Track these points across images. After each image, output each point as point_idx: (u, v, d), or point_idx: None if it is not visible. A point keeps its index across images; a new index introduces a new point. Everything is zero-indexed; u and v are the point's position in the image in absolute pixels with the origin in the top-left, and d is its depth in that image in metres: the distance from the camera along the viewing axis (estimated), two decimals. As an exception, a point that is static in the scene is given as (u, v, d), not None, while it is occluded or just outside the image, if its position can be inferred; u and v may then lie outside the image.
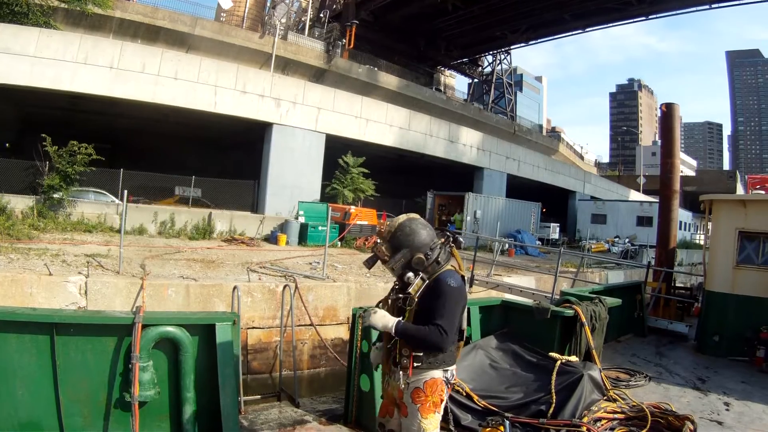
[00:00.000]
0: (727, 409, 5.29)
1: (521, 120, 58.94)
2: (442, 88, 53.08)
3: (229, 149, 26.38)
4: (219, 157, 26.82)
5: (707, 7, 37.21)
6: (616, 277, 18.45)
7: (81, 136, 14.90)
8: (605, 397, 4.84)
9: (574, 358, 5.21)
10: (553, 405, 4.41)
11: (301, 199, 19.14)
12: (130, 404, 3.55)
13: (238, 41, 32.04)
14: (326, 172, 21.27)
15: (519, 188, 32.08)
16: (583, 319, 5.53)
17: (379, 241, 2.87)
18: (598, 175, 51.23)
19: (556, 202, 36.26)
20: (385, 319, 2.70)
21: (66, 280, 8.41)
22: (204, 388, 3.84)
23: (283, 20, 34.79)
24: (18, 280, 8.08)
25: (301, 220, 17.87)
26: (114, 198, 17.16)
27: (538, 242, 27.46)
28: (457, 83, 68.52)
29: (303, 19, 40.61)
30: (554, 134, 72.74)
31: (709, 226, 9.24)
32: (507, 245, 22.16)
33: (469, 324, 2.98)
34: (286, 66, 33.54)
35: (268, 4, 40.92)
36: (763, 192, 8.56)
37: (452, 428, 4.00)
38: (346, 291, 10.87)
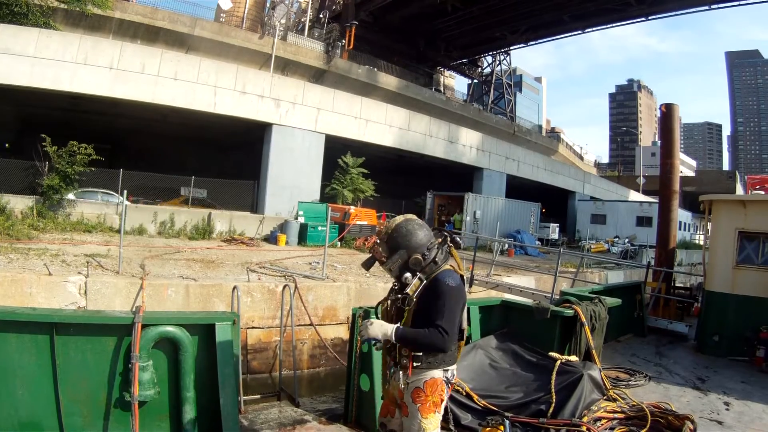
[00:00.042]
0: (727, 409, 5.29)
1: (521, 120, 58.98)
2: (441, 89, 53.11)
3: (228, 149, 26.39)
4: (219, 158, 26.81)
5: (707, 7, 37.26)
6: (616, 277, 18.46)
7: (81, 136, 14.89)
8: (605, 397, 4.84)
9: (574, 358, 5.21)
10: (553, 404, 4.41)
11: (301, 200, 19.14)
12: (130, 404, 3.55)
13: (238, 42, 32.04)
14: (326, 172, 21.27)
15: (518, 188, 32.10)
16: (583, 319, 5.53)
17: (377, 242, 2.87)
18: (597, 176, 51.26)
19: (555, 203, 36.29)
20: (384, 328, 2.69)
21: (66, 280, 8.41)
22: (204, 387, 3.84)
23: (283, 21, 34.76)
24: (18, 280, 8.08)
25: (301, 220, 17.87)
26: (122, 199, 17.20)
27: (537, 242, 27.47)
28: (456, 84, 68.69)
29: (302, 19, 40.62)
30: (554, 135, 72.76)
31: (709, 227, 9.23)
32: (506, 245, 22.16)
33: (468, 324, 2.96)
34: (286, 66, 33.55)
35: (268, 5, 40.90)
36: (762, 192, 8.58)
37: (452, 428, 4.00)
38: (345, 291, 10.87)
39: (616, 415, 4.52)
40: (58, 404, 3.53)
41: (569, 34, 46.50)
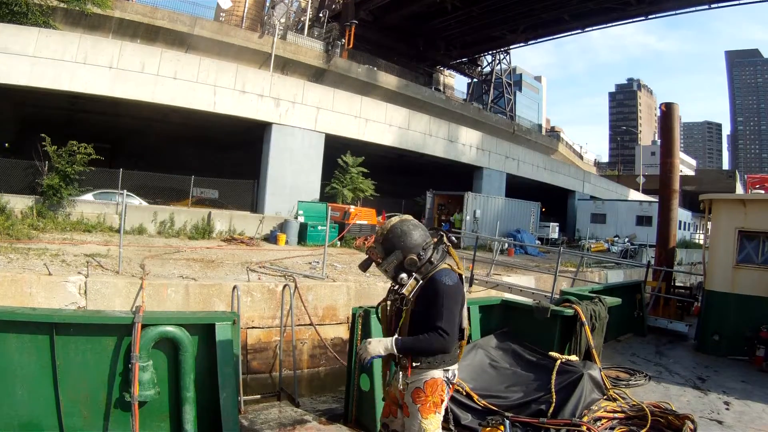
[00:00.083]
0: (727, 409, 5.29)
1: (520, 120, 58.99)
2: (441, 88, 53.10)
3: (228, 149, 26.38)
4: (218, 157, 26.81)
5: (706, 7, 37.25)
6: (616, 276, 18.45)
7: (80, 135, 14.89)
8: (605, 397, 4.84)
9: (574, 358, 5.21)
10: (553, 404, 4.41)
11: (301, 199, 19.13)
12: (130, 404, 3.55)
13: (238, 41, 32.03)
14: (325, 171, 21.26)
15: (518, 188, 32.09)
16: (583, 319, 5.53)
17: (373, 243, 2.88)
18: (597, 175, 51.25)
19: (555, 202, 36.29)
20: (383, 343, 2.69)
21: (65, 280, 8.41)
22: (204, 387, 3.84)
23: (283, 20, 34.73)
24: (17, 280, 8.08)
25: (301, 219, 17.87)
26: (141, 200, 17.62)
27: (537, 242, 27.47)
28: (456, 83, 68.69)
29: (302, 18, 40.60)
30: (553, 134, 72.71)
31: (709, 226, 9.23)
32: (506, 245, 22.16)
33: (469, 323, 2.96)
34: (286, 66, 33.53)
35: (268, 4, 40.88)
36: (762, 191, 8.57)
37: (452, 428, 4.00)
38: (345, 290, 10.86)
39: (616, 415, 4.52)
40: (58, 404, 3.53)
41: (569, 33, 46.55)
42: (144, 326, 3.61)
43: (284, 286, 7.49)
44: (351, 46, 37.40)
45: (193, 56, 20.98)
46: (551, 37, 48.55)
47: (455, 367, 2.82)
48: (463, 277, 2.86)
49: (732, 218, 7.91)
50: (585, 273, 17.26)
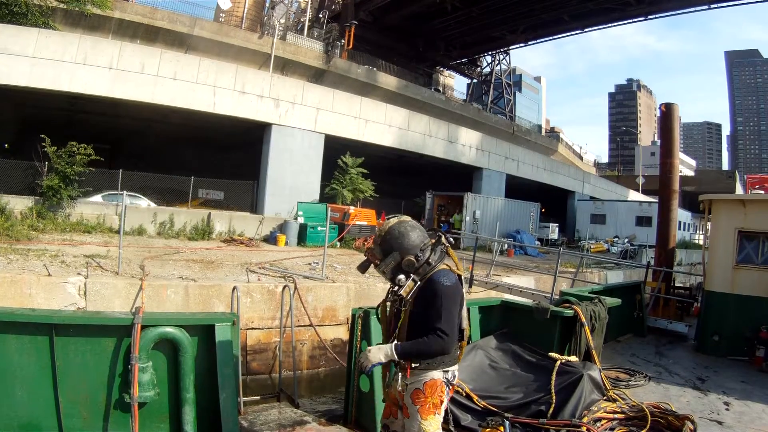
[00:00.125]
0: (727, 409, 5.29)
1: (520, 120, 58.99)
2: (441, 89, 53.14)
3: (228, 150, 26.38)
4: (218, 158, 26.80)
5: (706, 7, 37.27)
6: (616, 277, 18.46)
7: (80, 136, 14.88)
8: (605, 397, 4.83)
9: (573, 358, 5.21)
10: (553, 405, 4.41)
11: (300, 200, 19.14)
12: (130, 405, 3.55)
13: (237, 42, 32.03)
14: (325, 172, 21.26)
15: (518, 188, 32.10)
16: (583, 319, 5.52)
17: (372, 245, 2.88)
18: (597, 175, 51.29)
19: (555, 203, 36.29)
20: (383, 350, 2.69)
21: (65, 281, 8.41)
22: (203, 388, 3.84)
23: (282, 21, 34.74)
24: (17, 281, 8.07)
25: (300, 220, 17.87)
26: (150, 202, 17.75)
27: (537, 242, 27.46)
28: (456, 83, 68.66)
29: (302, 19, 40.62)
30: (553, 134, 72.72)
31: (709, 226, 9.23)
32: (506, 245, 22.15)
33: (468, 324, 2.96)
34: (285, 66, 33.54)
35: (267, 5, 40.90)
36: (762, 192, 8.56)
37: (452, 428, 3.99)
38: (345, 291, 10.86)
39: (616, 416, 4.52)
40: (58, 405, 3.53)
41: (568, 33, 46.57)
42: (143, 327, 3.61)
43: (284, 287, 7.48)
44: (351, 46, 37.40)
45: (192, 57, 20.98)
46: (551, 38, 48.61)
47: (455, 368, 2.82)
48: (463, 277, 2.86)
49: (732, 218, 7.91)
50: (585, 274, 17.25)
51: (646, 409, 4.53)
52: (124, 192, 11.81)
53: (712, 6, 36.86)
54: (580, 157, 68.39)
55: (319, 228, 17.24)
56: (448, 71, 58.18)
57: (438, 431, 2.77)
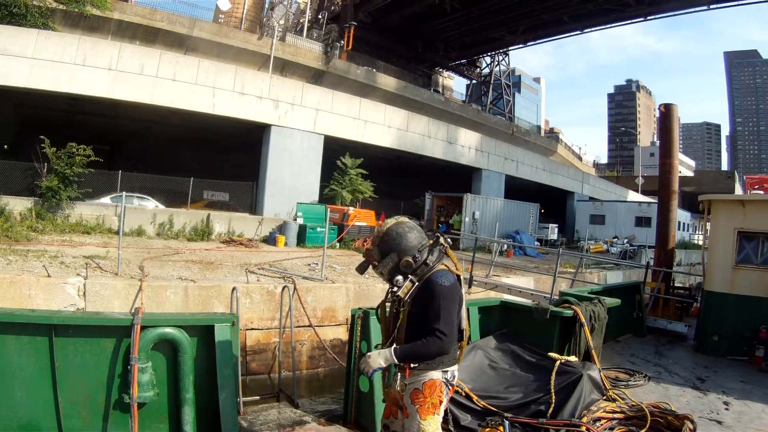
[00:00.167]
0: (727, 409, 5.29)
1: (519, 121, 58.98)
2: (440, 90, 53.11)
3: (228, 151, 26.38)
4: (218, 159, 26.80)
5: (705, 7, 37.26)
6: (615, 277, 18.45)
7: (79, 137, 14.90)
8: (604, 397, 4.84)
9: (573, 358, 5.21)
10: (553, 405, 4.41)
11: (300, 201, 19.14)
12: (129, 405, 3.55)
13: (237, 43, 32.01)
14: (325, 173, 21.27)
15: (517, 189, 32.11)
16: (583, 320, 5.53)
17: (370, 246, 2.89)
18: (596, 176, 51.34)
19: (554, 203, 36.30)
20: (383, 354, 2.70)
21: (64, 282, 8.40)
22: (203, 389, 3.84)
23: (282, 22, 34.72)
24: (16, 282, 8.07)
25: (300, 221, 17.87)
26: (158, 203, 17.87)
27: (536, 243, 27.46)
28: (455, 84, 68.77)
29: (301, 20, 40.59)
30: (552, 135, 72.76)
31: (708, 227, 9.24)
32: (505, 246, 22.16)
33: (468, 324, 2.97)
34: (285, 67, 33.54)
35: (267, 6, 40.84)
36: (761, 192, 8.57)
37: (452, 428, 4.00)
38: (344, 292, 10.86)
39: (615, 416, 4.52)
40: (57, 406, 3.53)
41: (568, 34, 46.51)
42: (143, 328, 3.61)
43: (283, 288, 7.47)
44: (350, 47, 37.39)
45: (192, 58, 21.00)
46: (550, 39, 48.53)
47: (455, 368, 2.82)
48: (462, 277, 2.86)
49: (731, 219, 7.92)
50: (584, 274, 17.26)
51: (646, 409, 4.53)
52: (124, 193, 11.80)
53: (712, 6, 36.87)
54: (580, 158, 68.41)
55: (318, 229, 17.24)
56: (448, 72, 58.15)
57: (437, 431, 2.77)
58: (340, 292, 10.80)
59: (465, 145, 27.75)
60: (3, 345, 3.43)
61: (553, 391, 4.54)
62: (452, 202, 26.66)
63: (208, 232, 16.47)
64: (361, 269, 2.93)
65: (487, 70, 55.88)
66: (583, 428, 4.10)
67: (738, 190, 50.60)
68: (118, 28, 28.19)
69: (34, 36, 15.70)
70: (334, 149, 21.16)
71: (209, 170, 22.33)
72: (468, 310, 3.16)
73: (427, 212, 26.15)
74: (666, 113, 11.64)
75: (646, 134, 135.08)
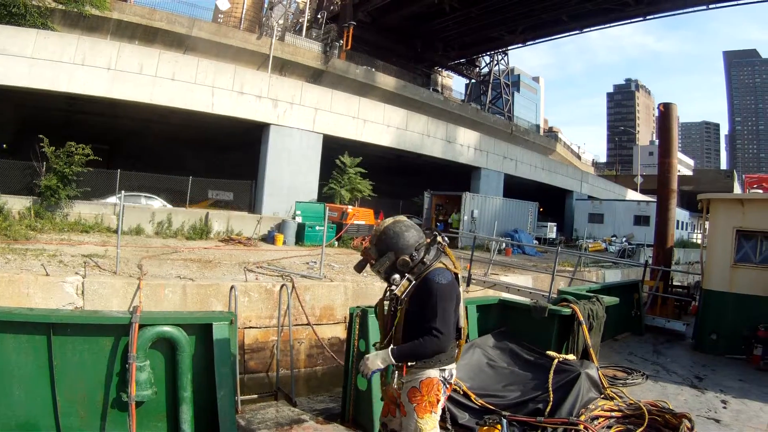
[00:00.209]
0: (725, 407, 5.30)
1: (518, 120, 59.01)
2: (439, 89, 53.14)
3: (227, 150, 26.37)
4: (217, 158, 26.80)
5: (704, 7, 37.30)
6: (614, 276, 18.45)
7: (79, 137, 14.88)
8: (602, 396, 4.85)
9: (571, 357, 5.21)
10: (551, 403, 4.42)
11: (299, 199, 19.14)
12: (127, 404, 3.55)
13: (236, 42, 32.00)
14: (323, 172, 21.28)
15: (516, 188, 32.12)
16: (581, 318, 5.54)
17: (368, 245, 2.90)
18: (595, 175, 51.31)
19: (553, 202, 36.31)
20: (381, 355, 2.72)
21: (63, 281, 8.39)
22: (201, 387, 3.84)
23: (281, 21, 34.72)
24: (15, 281, 8.06)
25: (299, 220, 17.86)
26: (164, 203, 17.90)
27: (535, 241, 27.46)
28: (454, 84, 68.56)
29: (300, 20, 40.59)
30: (551, 134, 72.71)
31: (707, 225, 9.25)
32: (504, 245, 22.15)
33: (466, 322, 2.98)
34: (284, 67, 33.53)
35: (266, 6, 40.80)
36: (760, 191, 8.58)
37: (449, 427, 4.00)
38: (343, 290, 10.86)
39: (613, 414, 4.53)
40: (55, 405, 3.53)
41: (567, 33, 46.57)
42: (141, 326, 3.62)
43: (282, 286, 7.48)
44: (349, 47, 37.40)
45: (191, 57, 20.97)
46: (550, 38, 48.59)
47: (452, 366, 2.82)
48: (460, 276, 2.86)
49: (730, 218, 7.93)
50: (582, 273, 17.24)
51: (644, 408, 4.54)
52: (123, 192, 11.78)
53: (711, 6, 36.91)
54: (579, 157, 68.41)
55: (317, 227, 17.23)
56: (447, 71, 58.20)
57: (435, 429, 2.77)
58: (339, 290, 10.80)
59: (464, 144, 27.75)
60: (1, 344, 3.43)
61: (551, 389, 4.54)
62: (451, 200, 26.66)
63: (207, 230, 16.46)
64: (359, 268, 2.94)
65: (486, 70, 55.93)
66: (581, 427, 4.11)
67: (737, 189, 50.62)
68: (117, 27, 28.17)
69: (33, 36, 15.68)
70: (333, 148, 21.16)
71: (208, 169, 22.31)
72: (466, 308, 3.17)
73: (426, 211, 26.14)
74: (665, 112, 11.64)
75: (645, 133, 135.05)
